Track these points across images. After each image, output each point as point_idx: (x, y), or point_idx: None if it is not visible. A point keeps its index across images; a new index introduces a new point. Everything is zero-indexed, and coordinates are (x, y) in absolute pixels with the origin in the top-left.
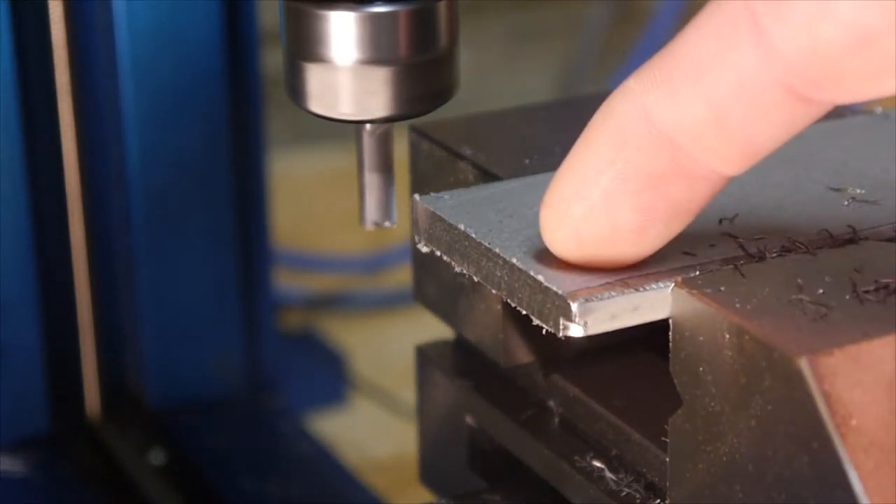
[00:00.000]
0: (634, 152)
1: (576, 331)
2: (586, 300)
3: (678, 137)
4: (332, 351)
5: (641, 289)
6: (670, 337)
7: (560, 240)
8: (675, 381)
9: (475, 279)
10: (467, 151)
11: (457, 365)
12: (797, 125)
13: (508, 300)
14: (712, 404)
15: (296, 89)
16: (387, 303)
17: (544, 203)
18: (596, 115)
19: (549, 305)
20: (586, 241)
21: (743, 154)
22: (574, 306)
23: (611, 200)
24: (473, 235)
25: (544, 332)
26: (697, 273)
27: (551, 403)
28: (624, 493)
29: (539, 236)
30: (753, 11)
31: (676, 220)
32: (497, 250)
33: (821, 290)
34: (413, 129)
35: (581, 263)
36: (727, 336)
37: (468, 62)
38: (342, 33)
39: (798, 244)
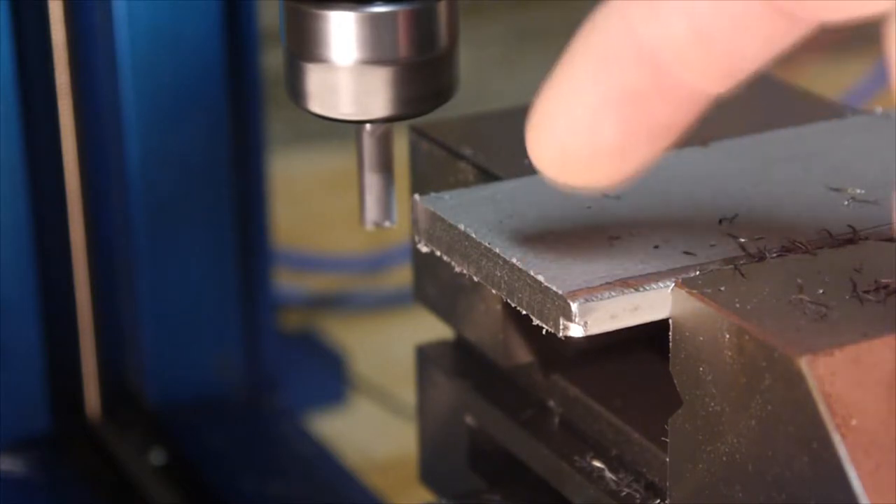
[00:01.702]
0: (618, 68)
1: (576, 331)
2: (586, 300)
3: (661, 53)
4: (332, 351)
5: (641, 289)
6: (670, 337)
7: (545, 157)
8: (675, 381)
9: (475, 279)
10: (467, 151)
11: (457, 365)
12: (780, 43)
13: (508, 300)
14: (712, 404)
15: (296, 89)
16: (387, 303)
17: (529, 121)
18: (580, 30)
19: (549, 305)
20: (570, 158)
21: (725, 71)
22: (574, 306)
23: (594, 116)
24: (473, 235)
25: (544, 332)
26: (697, 273)
27: (551, 403)
28: (624, 493)
29: (539, 236)
30: None
31: (659, 140)
32: (497, 250)
33: (821, 290)
34: (413, 129)
35: (567, 183)
36: (727, 336)
37: (468, 62)
38: (342, 33)
39: (798, 244)
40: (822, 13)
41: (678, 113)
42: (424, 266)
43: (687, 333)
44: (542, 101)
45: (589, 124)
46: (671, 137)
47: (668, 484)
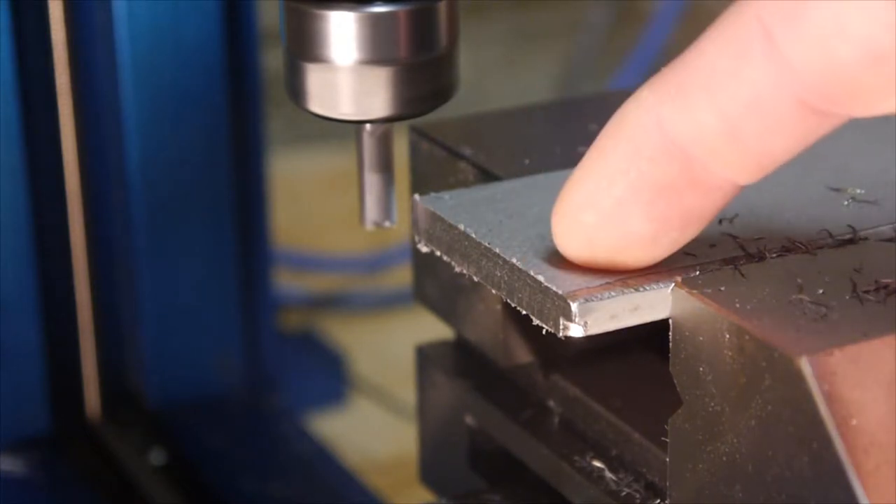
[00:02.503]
0: (647, 162)
1: (576, 331)
2: (586, 300)
3: (692, 149)
4: (332, 351)
5: (641, 289)
6: (670, 337)
7: (572, 247)
8: (675, 381)
9: (475, 279)
10: (467, 151)
11: (457, 365)
12: (812, 136)
13: (508, 300)
14: (712, 404)
15: (296, 89)
16: (387, 303)
17: (556, 210)
18: (608, 123)
19: (549, 305)
20: (598, 249)
21: (757, 165)
22: (574, 306)
23: (623, 210)
24: (473, 235)
25: (544, 332)
26: (697, 273)
27: (551, 403)
28: (624, 493)
29: (539, 236)
30: (766, 26)
31: (690, 228)
32: (497, 250)
33: (821, 290)
34: (413, 129)
35: (594, 267)
36: (727, 336)
37: (468, 62)
38: (342, 33)
39: (798, 244)
40: (855, 111)
41: (708, 202)
42: (424, 266)
43: (687, 333)
44: (568, 191)
45: (617, 216)
46: (702, 224)
47: (668, 484)
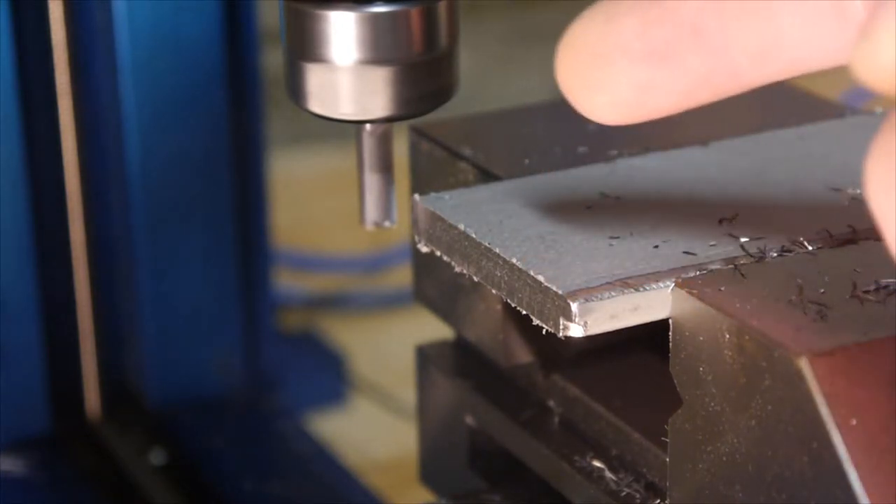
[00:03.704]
0: None
1: (576, 331)
2: (586, 300)
3: None
4: (332, 351)
5: (641, 289)
6: (670, 337)
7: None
8: (675, 381)
9: (475, 279)
10: (467, 151)
11: (457, 365)
12: None
13: (508, 300)
14: (712, 404)
15: (296, 89)
16: (387, 303)
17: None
18: None
19: (549, 305)
20: None
21: None
22: (574, 306)
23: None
24: (473, 235)
25: (544, 332)
26: (697, 273)
27: (551, 403)
28: (624, 493)
29: (539, 236)
30: None
31: None
32: (497, 250)
33: (821, 290)
34: (413, 129)
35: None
36: (727, 336)
37: (468, 62)
38: (342, 33)
39: (798, 244)
40: None
41: None
42: (424, 266)
43: (687, 333)
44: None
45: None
46: None
47: (668, 484)
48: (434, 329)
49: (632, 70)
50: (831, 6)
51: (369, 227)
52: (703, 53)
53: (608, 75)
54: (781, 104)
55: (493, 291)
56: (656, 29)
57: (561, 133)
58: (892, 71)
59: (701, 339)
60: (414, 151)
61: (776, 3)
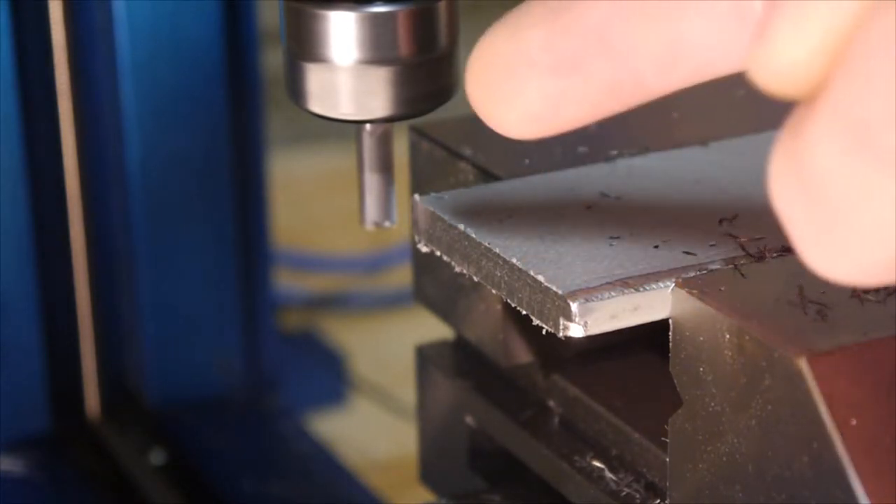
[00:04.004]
0: None
1: (576, 331)
2: (586, 300)
3: None
4: (332, 351)
5: (641, 289)
6: (670, 337)
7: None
8: (675, 381)
9: (475, 279)
10: (467, 151)
11: (457, 365)
12: None
13: (508, 300)
14: (712, 404)
15: (296, 89)
16: (387, 303)
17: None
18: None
19: (549, 305)
20: None
21: None
22: (574, 306)
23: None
24: (473, 235)
25: (544, 332)
26: (697, 273)
27: (551, 403)
28: (624, 493)
29: (539, 236)
30: None
31: None
32: (497, 250)
33: (821, 290)
34: (413, 129)
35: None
36: (727, 336)
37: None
38: (342, 33)
39: None
40: None
41: None
42: (424, 266)
43: (687, 333)
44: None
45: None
46: None
47: (668, 484)
48: (434, 329)
49: (540, 83)
50: (731, 8)
51: (369, 227)
52: (609, 62)
53: (517, 89)
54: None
55: (493, 291)
56: (563, 40)
57: (561, 133)
58: (788, 75)
59: (701, 339)
60: (414, 151)
61: (678, 7)
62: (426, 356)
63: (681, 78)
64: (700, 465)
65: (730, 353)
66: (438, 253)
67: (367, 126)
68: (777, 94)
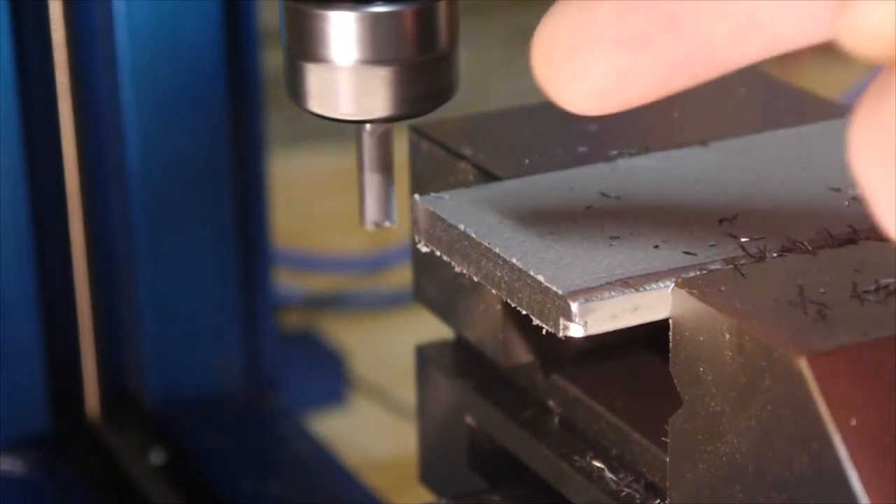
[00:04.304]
0: None
1: (576, 331)
2: (586, 300)
3: None
4: (332, 351)
5: (641, 289)
6: (670, 337)
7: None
8: (675, 381)
9: (475, 279)
10: (467, 151)
11: (457, 365)
12: None
13: (508, 300)
14: (712, 404)
15: (296, 89)
16: (387, 303)
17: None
18: None
19: (549, 305)
20: None
21: None
22: (574, 306)
23: None
24: (473, 235)
25: (544, 332)
26: (697, 273)
27: (551, 403)
28: (624, 493)
29: (539, 236)
30: None
31: None
32: (497, 250)
33: (821, 290)
34: (413, 129)
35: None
36: (727, 336)
37: (468, 62)
38: (342, 33)
39: (798, 244)
40: None
41: None
42: (424, 266)
43: (687, 333)
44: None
45: None
46: None
47: (668, 484)
48: (434, 329)
49: (608, 58)
50: None
51: (369, 227)
52: (679, 38)
53: (584, 65)
54: (781, 104)
55: (493, 291)
56: (631, 15)
57: (561, 133)
58: (880, 37)
59: (701, 339)
60: (414, 151)
61: None
62: (426, 356)
63: (753, 52)
64: (700, 465)
65: (730, 353)
66: (438, 253)
67: (367, 126)
68: (865, 57)
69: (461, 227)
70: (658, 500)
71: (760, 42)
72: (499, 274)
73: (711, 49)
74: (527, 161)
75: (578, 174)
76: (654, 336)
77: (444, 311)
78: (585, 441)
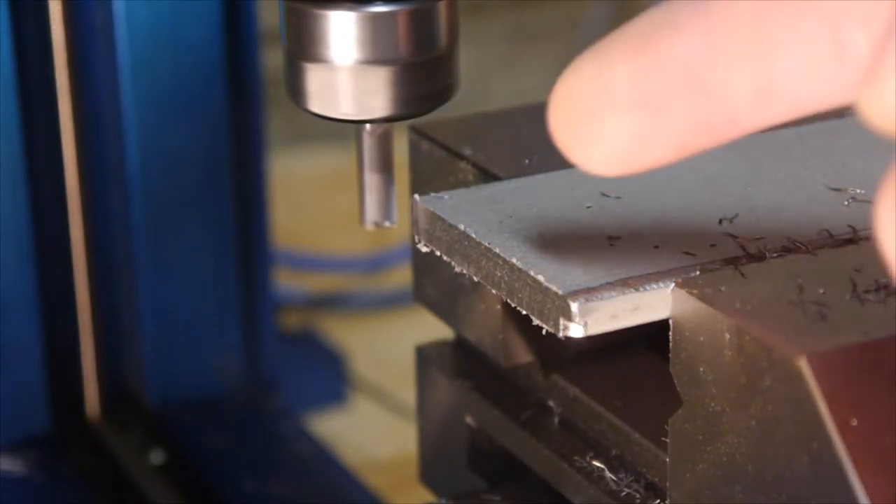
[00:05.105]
0: None
1: (576, 331)
2: (586, 300)
3: None
4: (332, 351)
5: (641, 289)
6: (670, 337)
7: None
8: (675, 381)
9: (475, 279)
10: (467, 151)
11: (457, 365)
12: None
13: (508, 300)
14: (712, 404)
15: (296, 89)
16: (387, 303)
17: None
18: None
19: (549, 305)
20: None
21: None
22: (574, 306)
23: None
24: (473, 235)
25: (544, 332)
26: (697, 273)
27: (551, 403)
28: (624, 493)
29: (539, 236)
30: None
31: None
32: (497, 250)
33: (821, 290)
34: (413, 129)
35: None
36: (727, 336)
37: (468, 62)
38: (342, 33)
39: (798, 244)
40: None
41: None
42: (424, 266)
43: (687, 333)
44: None
45: None
46: None
47: (668, 484)
48: (434, 329)
49: (626, 123)
50: (832, 45)
51: (369, 227)
52: (699, 101)
53: (601, 128)
54: None
55: (493, 291)
56: (649, 77)
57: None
58: None
59: (701, 339)
60: (414, 151)
61: (774, 45)
62: (426, 356)
63: (776, 114)
64: (700, 465)
65: (730, 353)
66: (438, 253)
67: (367, 126)
68: (887, 133)
69: (461, 227)
70: (658, 500)
71: (785, 104)
72: (499, 274)
73: (733, 112)
74: (527, 161)
75: (578, 174)
76: (654, 336)
77: (444, 311)
78: (585, 441)
